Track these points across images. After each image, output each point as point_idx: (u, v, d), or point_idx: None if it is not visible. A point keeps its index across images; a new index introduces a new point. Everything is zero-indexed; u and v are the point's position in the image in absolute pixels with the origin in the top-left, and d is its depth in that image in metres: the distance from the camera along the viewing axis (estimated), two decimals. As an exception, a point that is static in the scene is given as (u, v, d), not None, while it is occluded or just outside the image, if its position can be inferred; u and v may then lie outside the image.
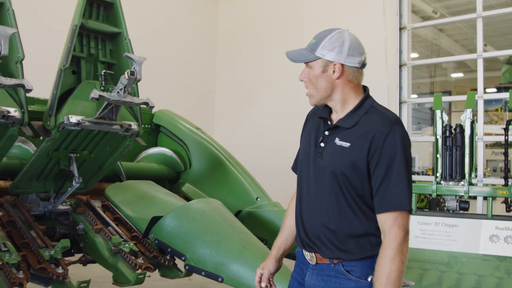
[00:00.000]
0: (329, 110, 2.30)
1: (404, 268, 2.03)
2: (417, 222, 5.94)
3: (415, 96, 15.34)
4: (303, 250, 2.33)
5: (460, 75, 18.39)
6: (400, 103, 9.52)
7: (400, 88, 9.53)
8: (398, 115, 9.48)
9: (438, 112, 6.28)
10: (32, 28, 8.45)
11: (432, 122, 18.00)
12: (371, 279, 2.12)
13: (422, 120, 18.16)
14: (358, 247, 2.17)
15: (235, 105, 12.57)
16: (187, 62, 12.33)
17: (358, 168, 2.12)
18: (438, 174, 6.26)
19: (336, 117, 2.26)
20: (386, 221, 2.08)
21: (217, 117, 12.88)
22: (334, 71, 2.18)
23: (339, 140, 2.17)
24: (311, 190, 2.26)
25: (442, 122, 6.28)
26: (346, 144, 2.15)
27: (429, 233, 5.84)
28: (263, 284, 2.47)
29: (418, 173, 11.34)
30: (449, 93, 17.96)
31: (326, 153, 2.21)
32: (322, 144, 2.24)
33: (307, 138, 2.35)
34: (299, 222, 2.32)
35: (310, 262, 2.28)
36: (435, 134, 6.28)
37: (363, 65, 2.27)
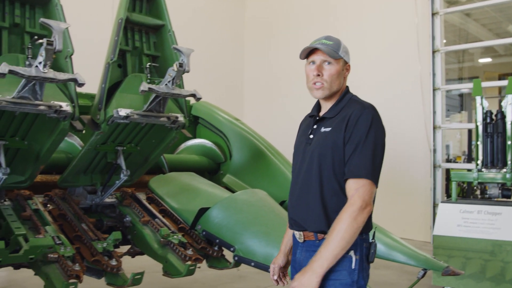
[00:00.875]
0: (318, 109, 2.65)
1: (354, 233, 2.28)
2: (459, 210, 5.88)
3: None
4: (294, 231, 2.59)
5: (488, 60, 18.08)
6: (434, 90, 9.40)
7: (434, 75, 9.40)
8: (432, 102, 9.40)
9: (478, 99, 6.19)
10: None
11: (461, 109, 17.75)
12: (351, 253, 2.37)
13: (451, 107, 17.92)
14: None
15: (265, 94, 12.53)
16: (214, 53, 12.32)
17: (337, 147, 2.41)
18: (479, 162, 6.18)
19: (323, 112, 2.61)
20: (350, 190, 2.35)
21: (246, 108, 12.87)
22: (347, 71, 2.59)
23: (324, 128, 2.51)
24: (300, 174, 2.56)
25: (483, 108, 6.18)
26: (328, 129, 2.48)
27: (471, 221, 5.77)
28: (275, 277, 2.81)
29: (450, 161, 11.22)
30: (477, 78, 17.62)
31: (313, 141, 2.54)
32: (311, 136, 2.58)
33: (298, 139, 2.71)
34: (290, 205, 2.62)
35: (299, 240, 2.55)
36: (475, 121, 6.20)
37: None
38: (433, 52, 9.37)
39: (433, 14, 9.38)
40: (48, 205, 4.17)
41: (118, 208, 4.48)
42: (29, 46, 3.60)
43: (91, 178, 4.42)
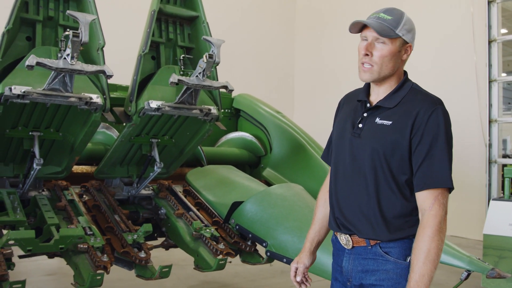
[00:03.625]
0: (367, 93, 2.29)
1: (442, 247, 2.01)
2: (511, 208, 5.59)
3: (504, 74, 14.50)
4: (338, 234, 2.29)
5: (553, 51, 17.18)
6: (490, 81, 9.00)
7: (490, 65, 9.00)
8: (488, 94, 9.00)
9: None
10: (117, 13, 8.63)
11: (525, 101, 17.00)
12: (410, 260, 2.08)
13: (512, 100, 17.15)
14: (395, 227, 2.13)
15: (317, 86, 12.35)
16: (266, 46, 12.28)
17: (399, 145, 2.10)
18: (534, 157, 5.86)
19: (375, 98, 2.25)
20: (426, 199, 2.06)
21: (296, 100, 12.74)
22: (405, 52, 2.19)
23: (380, 119, 2.17)
24: (348, 170, 2.23)
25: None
26: (388, 123, 2.14)
27: (524, 220, 5.48)
28: (298, 278, 2.47)
29: (509, 156, 10.73)
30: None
31: (364, 133, 2.19)
32: (360, 125, 2.22)
33: (342, 124, 2.34)
34: (335, 203, 2.29)
35: (345, 247, 2.25)
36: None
37: None
38: (489, 42, 8.96)
39: (489, 2, 8.97)
40: (84, 196, 4.23)
41: (154, 200, 4.50)
42: (62, 39, 3.63)
43: (127, 170, 4.45)
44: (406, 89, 2.19)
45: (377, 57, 2.14)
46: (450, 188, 2.08)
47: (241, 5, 11.70)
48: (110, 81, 4.26)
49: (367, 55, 2.15)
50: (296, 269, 2.49)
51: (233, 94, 5.92)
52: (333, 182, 2.32)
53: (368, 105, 2.26)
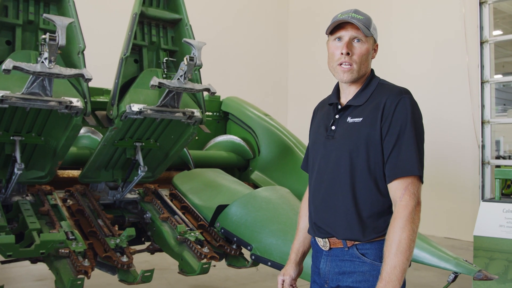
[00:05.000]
0: (337, 96, 2.31)
1: (415, 238, 1.97)
2: (501, 210, 5.56)
3: (499, 76, 14.48)
4: (316, 237, 2.28)
5: (550, 51, 17.16)
6: (482, 82, 8.99)
7: (482, 67, 8.99)
8: (480, 95, 8.99)
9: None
10: (103, 16, 8.60)
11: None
12: None
13: (508, 102, 17.14)
14: (372, 227, 2.12)
15: (311, 89, 12.34)
16: (259, 50, 12.29)
17: (373, 140, 2.10)
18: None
19: (345, 99, 2.27)
20: (397, 190, 2.04)
21: (290, 103, 12.73)
22: (374, 51, 2.25)
23: (351, 118, 2.17)
24: (324, 173, 2.22)
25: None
26: (358, 120, 2.14)
27: (515, 221, 5.45)
28: None
29: (504, 157, 10.72)
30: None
31: (338, 134, 2.20)
32: (333, 127, 2.24)
33: (316, 130, 2.37)
34: (312, 209, 2.29)
35: (323, 248, 2.24)
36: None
37: None
38: (481, 43, 8.96)
39: (481, 3, 8.96)
40: (68, 201, 4.20)
41: (139, 204, 4.47)
42: (42, 42, 3.62)
43: (112, 174, 4.42)
44: (374, 85, 2.21)
45: (356, 56, 2.16)
46: (421, 177, 2.06)
47: (234, 9, 11.71)
48: (96, 85, 4.26)
49: (348, 54, 2.15)
50: (283, 281, 2.49)
51: (224, 97, 5.92)
52: (311, 187, 2.31)
53: (339, 106, 2.27)
